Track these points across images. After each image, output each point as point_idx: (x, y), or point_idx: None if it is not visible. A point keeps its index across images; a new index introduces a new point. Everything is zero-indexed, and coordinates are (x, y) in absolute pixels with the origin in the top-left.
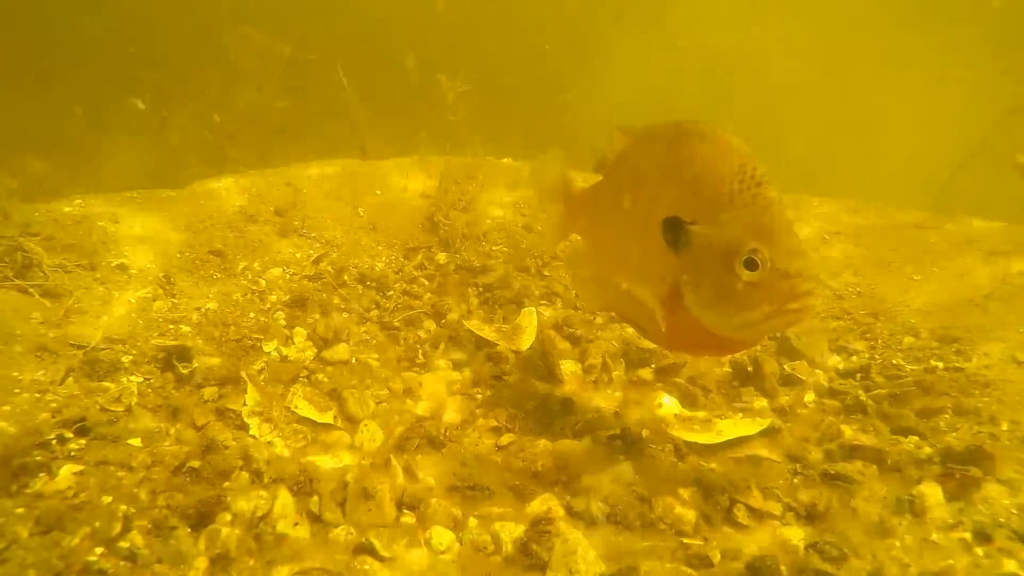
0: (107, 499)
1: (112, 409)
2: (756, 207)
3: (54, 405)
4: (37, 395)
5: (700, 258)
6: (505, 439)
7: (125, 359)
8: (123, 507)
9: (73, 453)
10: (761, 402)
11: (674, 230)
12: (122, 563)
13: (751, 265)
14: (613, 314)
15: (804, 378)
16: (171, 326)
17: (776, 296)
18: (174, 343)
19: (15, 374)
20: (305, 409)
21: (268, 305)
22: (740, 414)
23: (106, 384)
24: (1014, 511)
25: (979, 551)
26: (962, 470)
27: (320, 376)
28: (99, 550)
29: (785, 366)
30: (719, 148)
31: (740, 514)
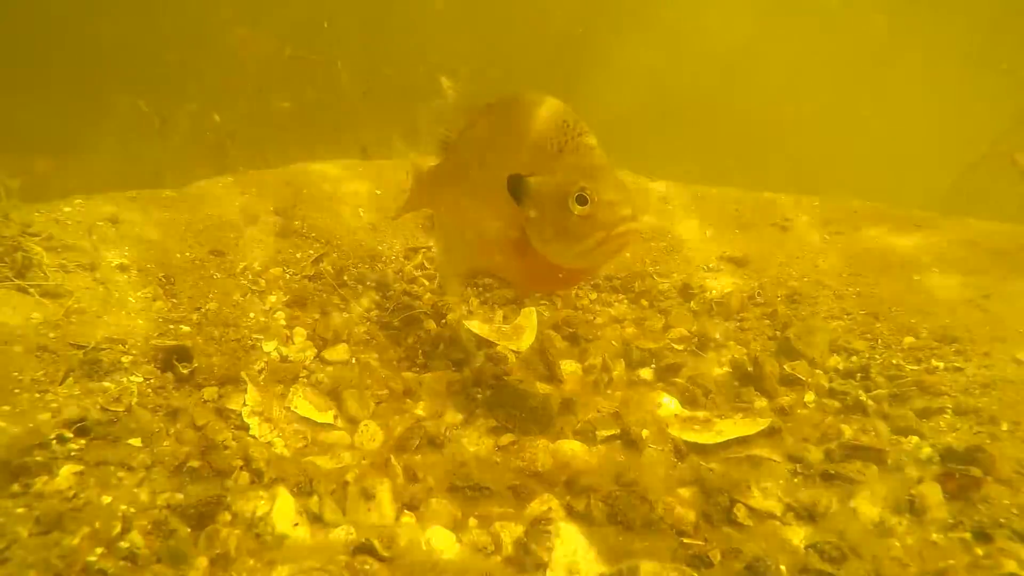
0: (107, 499)
1: (112, 409)
2: (580, 154)
3: (54, 405)
4: (37, 395)
5: (539, 202)
6: (505, 439)
7: (125, 359)
8: (123, 507)
9: (73, 453)
10: (761, 402)
11: (516, 184)
12: (122, 563)
13: (582, 201)
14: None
15: (804, 378)
16: (171, 326)
17: (605, 223)
18: (174, 343)
19: (15, 374)
20: (305, 409)
21: (268, 305)
22: (740, 414)
23: (106, 384)
24: (1014, 511)
25: (979, 551)
26: (962, 470)
27: (320, 376)
28: (99, 550)
29: (785, 366)
30: (544, 110)
31: (740, 514)
